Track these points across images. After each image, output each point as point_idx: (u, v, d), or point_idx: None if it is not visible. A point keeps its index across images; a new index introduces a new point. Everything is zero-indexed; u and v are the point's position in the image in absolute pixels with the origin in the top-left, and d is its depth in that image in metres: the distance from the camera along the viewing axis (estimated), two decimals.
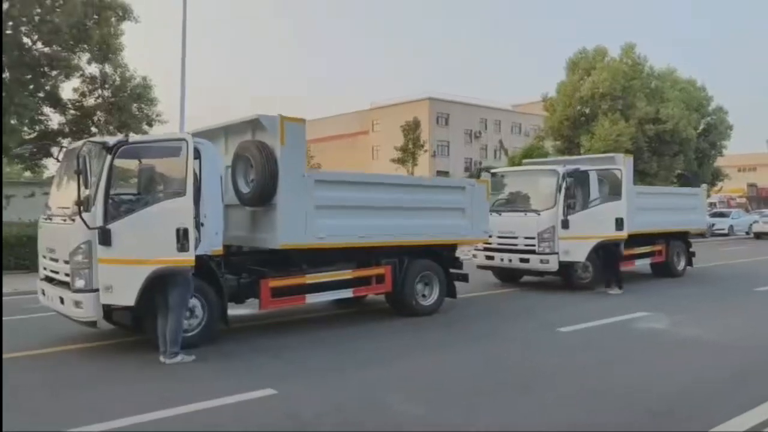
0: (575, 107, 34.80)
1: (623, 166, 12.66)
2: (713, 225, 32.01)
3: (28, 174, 26.00)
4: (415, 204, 9.39)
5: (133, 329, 8.27)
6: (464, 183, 10.75)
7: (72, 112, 19.96)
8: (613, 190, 12.37)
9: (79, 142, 7.31)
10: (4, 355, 6.99)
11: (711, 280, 14.93)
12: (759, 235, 32.44)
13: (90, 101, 20.27)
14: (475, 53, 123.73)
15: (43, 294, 7.91)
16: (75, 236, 6.88)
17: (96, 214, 6.79)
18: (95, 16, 18.07)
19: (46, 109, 19.72)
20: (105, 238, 6.74)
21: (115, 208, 6.97)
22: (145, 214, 6.87)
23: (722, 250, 23.63)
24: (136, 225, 6.79)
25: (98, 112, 20.10)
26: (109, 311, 7.67)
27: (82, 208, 6.60)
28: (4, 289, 12.17)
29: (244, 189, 8.17)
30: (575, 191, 12.22)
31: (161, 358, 6.87)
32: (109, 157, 6.91)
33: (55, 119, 20.21)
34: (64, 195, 7.83)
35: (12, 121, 17.34)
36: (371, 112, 67.34)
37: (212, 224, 7.60)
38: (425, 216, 9.49)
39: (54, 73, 18.37)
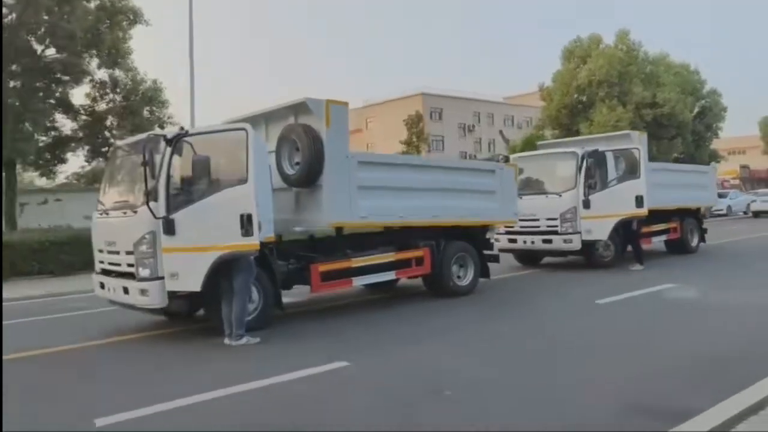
0: (572, 95, 35.24)
1: (640, 144, 13.01)
2: (711, 206, 32.52)
3: (40, 181, 26.14)
4: (450, 185, 9.73)
5: (189, 317, 8.62)
6: (494, 166, 11.08)
7: (84, 117, 20.12)
8: (630, 168, 12.72)
9: (139, 136, 7.55)
10: (69, 346, 7.29)
11: (724, 254, 15.35)
12: (757, 214, 32.98)
13: (101, 106, 20.46)
14: (464, 48, 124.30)
15: (102, 287, 8.13)
16: (139, 227, 7.14)
17: (159, 205, 7.05)
18: (107, 21, 18.25)
19: (58, 116, 19.88)
20: (169, 227, 7.01)
21: (177, 199, 7.24)
22: (208, 202, 7.12)
23: (725, 229, 24.09)
24: (200, 214, 7.05)
25: (110, 117, 20.29)
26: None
27: (149, 198, 6.85)
28: (35, 292, 12.43)
29: (290, 171, 8.44)
30: (595, 172, 12.56)
31: (226, 341, 7.13)
32: (168, 149, 7.18)
33: (67, 125, 20.40)
34: (119, 190, 8.11)
35: (28, 128, 17.50)
36: (365, 110, 67.53)
37: (264, 212, 7.84)
38: (459, 198, 9.82)
39: (66, 78, 18.52)
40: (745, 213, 34.77)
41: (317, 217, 8.35)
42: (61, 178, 23.22)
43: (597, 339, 6.93)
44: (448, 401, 4.88)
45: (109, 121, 20.29)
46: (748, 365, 5.40)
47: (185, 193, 7.45)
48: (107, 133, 19.90)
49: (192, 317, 8.63)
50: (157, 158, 7.08)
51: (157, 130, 8.46)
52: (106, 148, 18.39)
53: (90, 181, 22.47)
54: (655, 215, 13.63)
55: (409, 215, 9.10)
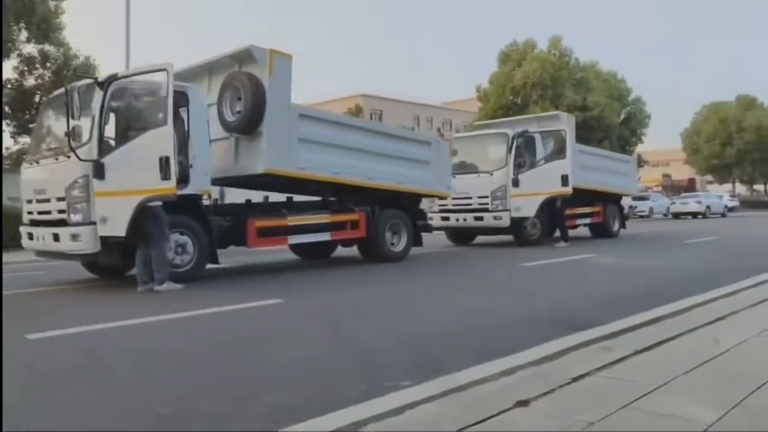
0: (508, 96, 36.34)
1: (567, 126, 13.72)
2: (635, 207, 34.22)
3: None
4: (387, 151, 10.01)
5: (121, 272, 8.54)
6: (431, 139, 11.50)
7: (11, 91, 19.29)
8: (558, 148, 13.39)
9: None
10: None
11: (644, 239, 16.31)
12: (676, 215, 34.90)
13: (30, 81, 19.70)
14: (404, 54, 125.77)
15: (30, 238, 7.97)
16: (71, 171, 7.07)
17: (92, 149, 7.02)
18: None
19: None
20: (99, 171, 6.99)
21: (108, 143, 7.23)
22: (131, 146, 7.18)
23: (647, 225, 25.50)
24: (125, 157, 7.08)
25: (38, 93, 19.55)
26: (94, 261, 7.91)
27: (71, 139, 6.78)
28: None
29: (231, 118, 8.52)
30: (524, 152, 13.18)
31: (139, 288, 7.06)
32: (101, 93, 7.15)
33: None
34: (51, 137, 7.98)
35: None
36: None
37: (201, 165, 7.94)
38: (395, 164, 10.12)
39: None
40: (665, 215, 36.74)
41: (255, 163, 8.40)
42: None
43: (519, 284, 7.41)
44: (377, 321, 5.15)
45: (38, 97, 19.54)
46: (643, 301, 5.88)
47: (116, 137, 7.47)
48: (35, 110, 19.13)
49: (125, 276, 8.54)
50: (87, 103, 7.06)
51: (87, 76, 8.30)
52: (34, 125, 17.69)
53: (15, 163, 21.54)
54: (580, 197, 14.33)
55: (345, 173, 9.31)
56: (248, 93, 8.16)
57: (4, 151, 23.45)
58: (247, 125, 8.33)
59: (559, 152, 13.28)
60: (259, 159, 8.32)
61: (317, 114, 9.18)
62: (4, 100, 19.84)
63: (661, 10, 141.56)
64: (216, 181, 8.71)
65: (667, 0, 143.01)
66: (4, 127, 19.97)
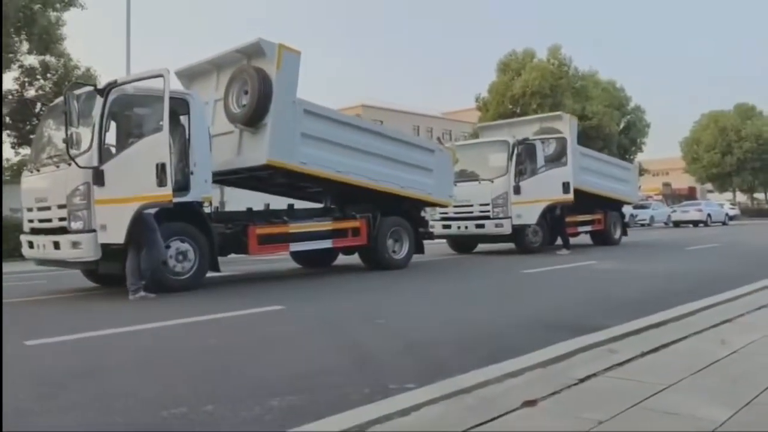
0: (507, 106, 36.38)
1: (569, 128, 13.78)
2: (636, 216, 34.18)
3: None
4: (390, 154, 10.02)
5: (121, 280, 8.47)
6: (434, 146, 11.49)
7: (11, 102, 19.30)
8: (559, 153, 13.43)
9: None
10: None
11: (645, 246, 16.27)
12: (677, 224, 34.83)
13: (31, 92, 19.71)
14: (405, 65, 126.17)
15: (31, 246, 7.94)
16: (73, 178, 7.06)
17: (92, 156, 7.01)
18: (39, 4, 17.60)
19: None
20: (99, 178, 6.98)
21: (108, 150, 7.22)
22: (129, 153, 7.20)
23: (648, 233, 25.48)
24: (123, 164, 7.09)
25: (39, 103, 19.54)
26: (95, 269, 7.87)
27: (70, 146, 6.77)
28: None
29: (236, 110, 8.55)
30: (525, 159, 13.18)
31: (130, 297, 7.00)
32: (101, 100, 7.15)
33: None
34: (52, 146, 7.97)
35: None
36: None
37: (202, 172, 7.93)
38: (397, 168, 10.12)
39: None
40: (666, 224, 36.66)
41: (258, 155, 8.38)
42: None
43: (522, 290, 7.37)
44: (380, 326, 5.10)
45: (39, 107, 19.53)
46: (647, 306, 5.84)
47: (115, 144, 7.49)
48: (36, 120, 19.14)
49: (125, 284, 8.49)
50: (86, 110, 7.07)
51: (86, 84, 8.30)
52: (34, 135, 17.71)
53: (16, 174, 21.54)
54: (582, 203, 14.25)
55: (347, 171, 9.29)
56: (255, 84, 8.20)
57: (4, 162, 23.53)
58: (252, 117, 8.34)
59: (560, 158, 13.28)
60: (262, 150, 8.31)
61: (322, 111, 9.20)
62: (5, 111, 19.90)
63: (659, 19, 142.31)
64: (218, 177, 8.74)
65: (664, 9, 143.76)
66: (4, 137, 20.00)
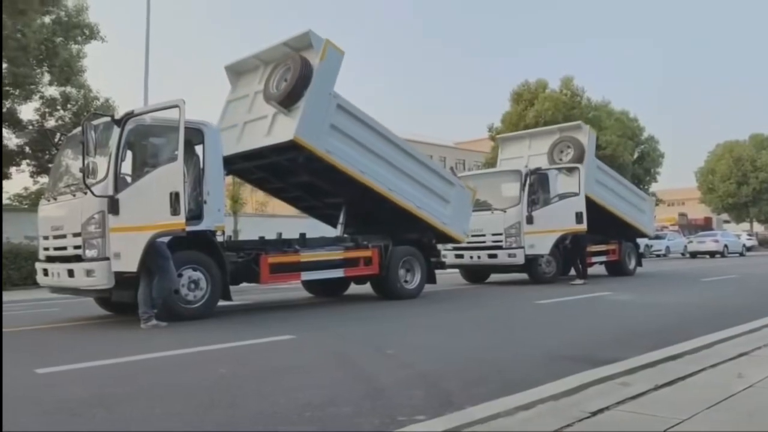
0: None
1: (587, 138, 14.33)
2: (651, 246, 33.84)
3: None
4: (412, 172, 10.16)
5: (134, 308, 8.51)
6: (455, 180, 11.49)
7: (31, 133, 19.69)
8: (577, 159, 13.95)
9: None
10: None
11: (661, 277, 16.10)
12: (694, 254, 34.44)
13: (50, 122, 20.10)
14: (418, 95, 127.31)
15: (45, 274, 8.01)
16: (88, 207, 7.14)
17: (108, 185, 7.11)
18: (62, 37, 18.07)
19: (3, 130, 19.41)
20: (114, 207, 7.06)
21: (123, 179, 7.33)
22: (144, 181, 7.32)
23: (663, 264, 25.22)
24: (138, 193, 7.20)
25: (59, 133, 19.88)
26: (108, 297, 7.93)
27: (86, 175, 6.87)
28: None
29: (274, 90, 8.84)
30: (538, 189, 13.17)
31: (142, 325, 7.02)
32: (118, 130, 7.28)
33: (12, 139, 19.92)
34: (69, 174, 8.11)
35: None
36: None
37: (215, 201, 8.00)
38: (416, 187, 10.23)
39: (17, 92, 18.21)
40: (682, 254, 36.25)
41: (286, 132, 8.53)
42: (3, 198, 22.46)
43: (535, 321, 7.30)
44: (391, 356, 5.06)
45: (58, 137, 19.88)
46: (662, 338, 5.77)
47: (131, 173, 7.60)
48: (55, 150, 19.45)
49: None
50: (103, 139, 7.19)
51: (103, 114, 8.49)
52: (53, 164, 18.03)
53: (34, 203, 21.86)
54: (595, 225, 13.93)
55: (369, 174, 9.39)
56: (297, 67, 8.52)
57: (22, 190, 23.91)
58: (289, 95, 8.56)
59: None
60: (291, 127, 8.46)
61: (356, 111, 9.36)
62: (24, 140, 20.29)
63: (672, 49, 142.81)
64: (239, 163, 9.10)
65: (677, 39, 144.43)
66: (24, 167, 20.35)
